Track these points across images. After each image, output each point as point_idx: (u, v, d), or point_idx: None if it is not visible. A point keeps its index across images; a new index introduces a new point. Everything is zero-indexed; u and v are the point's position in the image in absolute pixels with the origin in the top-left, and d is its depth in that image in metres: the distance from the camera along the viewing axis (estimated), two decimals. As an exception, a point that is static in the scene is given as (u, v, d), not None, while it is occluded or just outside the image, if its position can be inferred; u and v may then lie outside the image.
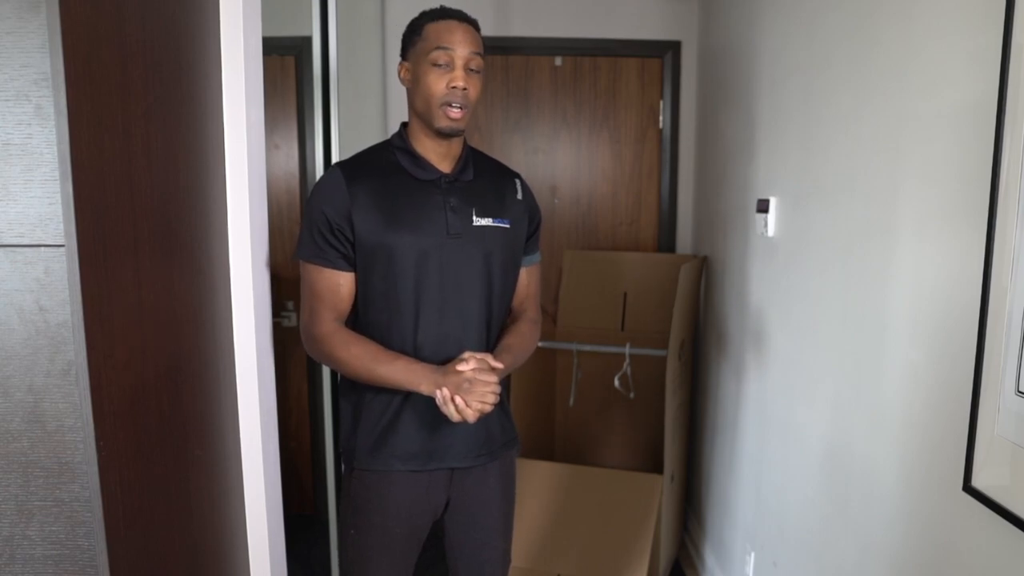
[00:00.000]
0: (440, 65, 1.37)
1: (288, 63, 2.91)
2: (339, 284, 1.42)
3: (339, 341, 1.40)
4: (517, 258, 1.57)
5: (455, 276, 1.44)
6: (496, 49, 2.97)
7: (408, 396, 1.44)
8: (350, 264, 1.43)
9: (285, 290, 2.99)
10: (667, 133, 3.08)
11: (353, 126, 2.78)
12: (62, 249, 0.73)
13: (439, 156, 1.47)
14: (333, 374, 2.25)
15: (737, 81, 2.40)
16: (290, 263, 3.01)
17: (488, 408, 1.32)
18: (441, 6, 1.43)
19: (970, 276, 1.10)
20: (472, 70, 1.40)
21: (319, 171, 2.16)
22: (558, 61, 3.07)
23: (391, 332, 1.43)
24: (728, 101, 2.53)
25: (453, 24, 1.39)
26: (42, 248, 0.73)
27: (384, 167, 1.45)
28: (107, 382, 0.79)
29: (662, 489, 2.45)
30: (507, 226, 1.50)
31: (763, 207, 2.05)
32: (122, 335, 0.84)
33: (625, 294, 2.95)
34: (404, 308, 1.42)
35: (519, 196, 1.56)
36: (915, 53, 1.29)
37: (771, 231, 2.02)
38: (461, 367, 1.34)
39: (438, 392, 1.32)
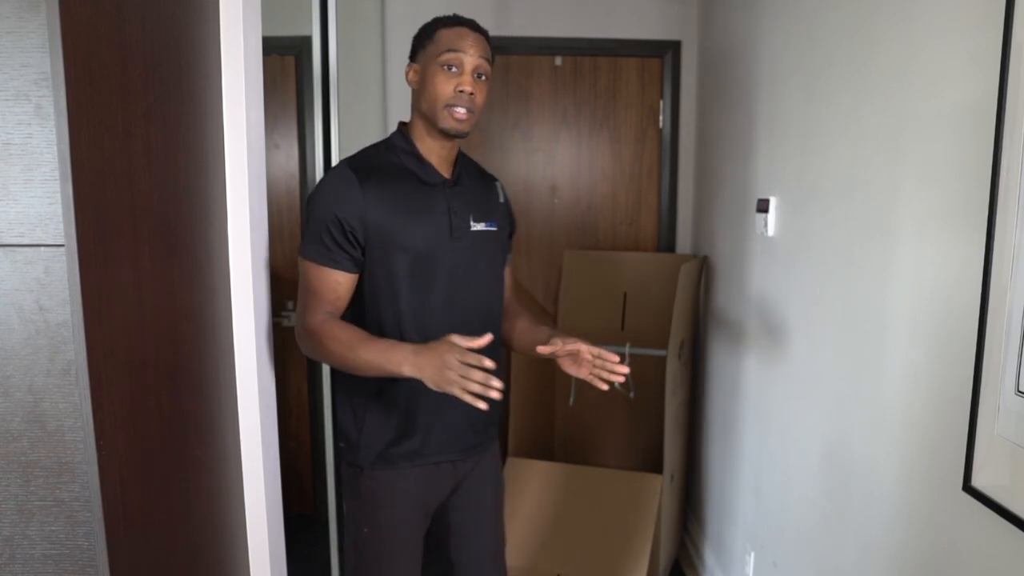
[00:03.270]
0: (450, 69, 1.40)
1: (288, 63, 2.91)
2: (339, 283, 1.43)
3: (327, 330, 1.39)
4: (503, 258, 1.62)
5: (458, 278, 1.47)
6: (496, 49, 2.93)
7: (417, 399, 1.46)
8: (356, 266, 1.43)
9: (285, 290, 2.98)
10: (667, 133, 3.07)
11: (353, 126, 2.78)
12: (62, 249, 0.73)
13: (440, 159, 1.49)
14: (334, 373, 2.24)
15: (737, 81, 2.40)
16: (290, 263, 3.01)
17: (475, 387, 1.19)
18: (455, 14, 1.47)
19: (970, 276, 1.10)
20: (480, 77, 1.43)
21: (319, 171, 2.16)
22: (558, 61, 3.07)
23: (395, 335, 1.44)
24: (728, 101, 2.53)
25: (465, 31, 1.43)
26: (42, 248, 0.73)
27: (393, 169, 1.46)
28: (107, 382, 0.79)
29: (662, 489, 2.45)
30: (495, 229, 1.56)
31: (763, 207, 2.05)
32: (122, 335, 0.84)
33: (625, 294, 2.94)
34: (408, 310, 1.44)
35: (501, 200, 1.63)
36: (915, 53, 1.29)
37: (771, 231, 2.02)
38: (443, 347, 1.23)
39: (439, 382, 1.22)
